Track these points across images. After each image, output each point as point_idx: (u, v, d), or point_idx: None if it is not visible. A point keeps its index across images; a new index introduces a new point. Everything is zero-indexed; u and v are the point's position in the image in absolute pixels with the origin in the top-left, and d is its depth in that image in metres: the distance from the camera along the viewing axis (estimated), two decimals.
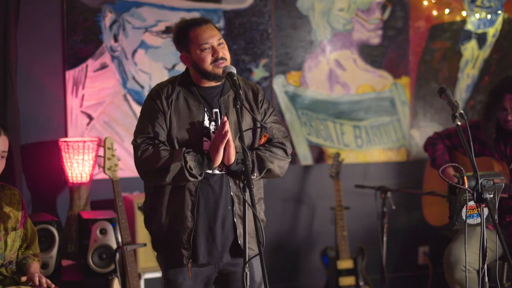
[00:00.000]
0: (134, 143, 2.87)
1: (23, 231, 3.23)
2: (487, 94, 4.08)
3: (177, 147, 2.83)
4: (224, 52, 2.85)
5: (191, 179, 2.76)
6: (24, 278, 3.05)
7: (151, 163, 2.79)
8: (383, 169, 5.26)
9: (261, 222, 2.98)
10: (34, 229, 3.31)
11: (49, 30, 4.39)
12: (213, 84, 2.89)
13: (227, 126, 2.74)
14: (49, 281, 3.03)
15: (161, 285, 3.06)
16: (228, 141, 2.75)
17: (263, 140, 2.93)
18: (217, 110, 2.89)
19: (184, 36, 2.87)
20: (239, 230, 2.88)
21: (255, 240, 2.89)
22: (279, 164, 2.91)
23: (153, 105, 2.87)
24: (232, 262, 2.93)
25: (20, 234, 3.20)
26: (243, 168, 2.49)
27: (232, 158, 2.79)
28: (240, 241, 2.87)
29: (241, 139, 2.53)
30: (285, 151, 2.95)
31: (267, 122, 2.97)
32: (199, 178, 2.78)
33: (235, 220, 2.88)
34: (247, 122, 2.90)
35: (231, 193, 2.87)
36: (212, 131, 2.85)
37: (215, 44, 2.84)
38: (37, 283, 3.01)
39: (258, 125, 2.89)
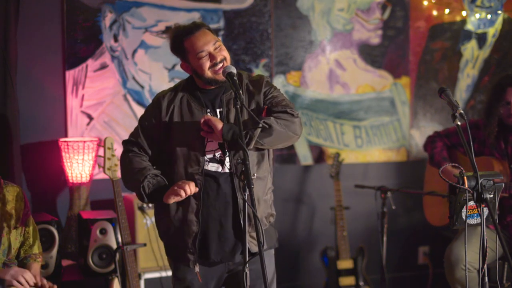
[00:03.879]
0: (123, 143, 3.00)
1: (26, 229, 3.22)
2: (488, 91, 4.08)
3: (180, 151, 2.85)
4: (223, 53, 2.85)
5: (141, 199, 2.88)
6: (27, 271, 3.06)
7: (123, 167, 2.97)
8: (383, 169, 5.26)
9: (271, 217, 2.97)
10: (36, 228, 3.31)
11: (49, 30, 4.39)
12: (217, 85, 2.91)
13: (183, 194, 2.75)
14: (50, 283, 3.05)
15: (171, 284, 3.06)
16: (207, 120, 2.75)
17: (263, 112, 2.89)
18: (220, 109, 2.89)
19: (180, 46, 2.88)
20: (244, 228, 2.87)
21: (263, 240, 2.89)
22: (285, 124, 2.81)
23: (150, 112, 2.94)
24: (242, 261, 2.92)
25: (21, 231, 3.20)
26: (243, 168, 2.49)
27: (219, 125, 2.74)
28: (246, 240, 2.86)
29: (241, 138, 2.53)
30: (287, 112, 2.84)
31: (266, 101, 2.91)
32: (146, 200, 2.87)
33: (240, 217, 2.86)
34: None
35: (236, 191, 2.86)
36: None
37: (211, 49, 2.83)
38: (39, 283, 3.02)
39: (260, 125, 2.89)
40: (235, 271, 2.96)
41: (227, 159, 2.85)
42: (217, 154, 2.85)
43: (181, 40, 2.86)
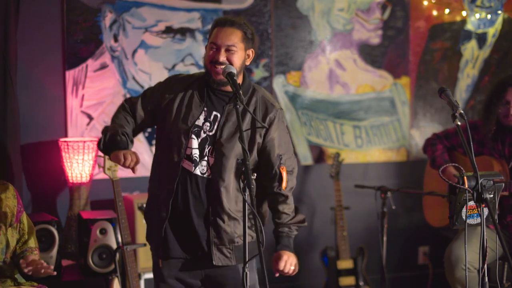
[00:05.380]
0: (125, 99, 3.10)
1: (20, 225, 3.21)
2: (488, 90, 4.07)
3: (167, 137, 2.90)
4: (231, 58, 2.82)
5: (98, 144, 2.94)
6: (22, 261, 3.05)
7: (113, 115, 3.07)
8: (383, 169, 5.25)
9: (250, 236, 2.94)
10: (31, 223, 3.29)
11: (49, 30, 4.39)
12: (224, 88, 2.88)
13: (121, 160, 2.81)
14: (46, 264, 3.03)
15: None
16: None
17: (284, 174, 2.94)
18: (218, 114, 2.89)
19: (211, 30, 2.91)
20: (212, 238, 2.87)
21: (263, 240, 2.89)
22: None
23: (158, 87, 3.01)
24: (219, 269, 2.91)
25: (17, 228, 3.19)
26: (243, 168, 2.49)
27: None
28: (213, 250, 2.87)
29: (241, 139, 2.53)
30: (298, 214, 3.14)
31: (265, 144, 2.92)
32: (101, 146, 2.93)
33: (210, 229, 2.87)
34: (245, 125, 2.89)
35: (213, 201, 2.86)
36: (204, 131, 2.87)
37: (222, 47, 2.82)
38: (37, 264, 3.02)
39: (259, 125, 2.89)
40: (213, 277, 2.93)
41: (203, 162, 2.85)
42: (194, 154, 2.86)
43: (214, 26, 2.89)
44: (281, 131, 2.95)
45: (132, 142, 2.96)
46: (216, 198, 2.85)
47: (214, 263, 2.87)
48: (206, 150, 2.86)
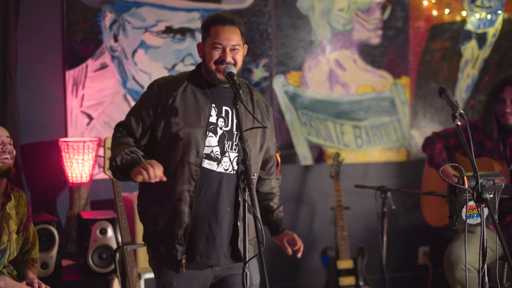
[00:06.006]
0: (115, 126, 2.93)
1: (26, 234, 3.23)
2: (488, 90, 4.12)
3: (179, 139, 2.78)
4: (236, 58, 2.83)
5: (111, 174, 2.80)
6: (24, 283, 3.07)
7: (111, 146, 2.89)
8: (383, 169, 5.26)
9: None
10: (35, 233, 3.30)
11: (49, 30, 4.39)
12: (225, 85, 2.86)
13: (145, 176, 2.64)
14: (48, 287, 3.05)
15: None
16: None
17: (279, 159, 3.11)
18: (228, 108, 2.86)
19: (207, 28, 2.86)
20: (241, 235, 2.81)
21: (253, 247, 2.90)
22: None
23: (146, 100, 2.87)
24: (230, 266, 2.88)
25: (22, 236, 3.20)
26: (243, 168, 2.48)
27: None
28: (240, 246, 2.82)
29: (241, 139, 2.53)
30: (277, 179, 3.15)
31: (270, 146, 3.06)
32: (116, 173, 2.78)
33: (238, 223, 2.83)
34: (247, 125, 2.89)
35: (237, 195, 2.84)
36: (220, 127, 2.83)
37: (228, 47, 2.81)
38: (36, 287, 3.02)
39: (260, 126, 2.89)
40: (222, 277, 2.90)
41: (224, 159, 2.82)
42: (215, 152, 2.81)
43: (211, 24, 2.85)
44: (273, 128, 3.11)
45: (143, 157, 2.79)
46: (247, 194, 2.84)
47: (246, 260, 2.76)
48: (226, 145, 2.83)
